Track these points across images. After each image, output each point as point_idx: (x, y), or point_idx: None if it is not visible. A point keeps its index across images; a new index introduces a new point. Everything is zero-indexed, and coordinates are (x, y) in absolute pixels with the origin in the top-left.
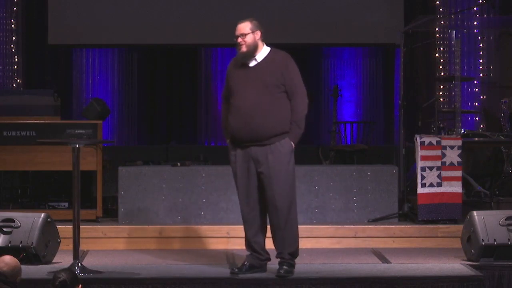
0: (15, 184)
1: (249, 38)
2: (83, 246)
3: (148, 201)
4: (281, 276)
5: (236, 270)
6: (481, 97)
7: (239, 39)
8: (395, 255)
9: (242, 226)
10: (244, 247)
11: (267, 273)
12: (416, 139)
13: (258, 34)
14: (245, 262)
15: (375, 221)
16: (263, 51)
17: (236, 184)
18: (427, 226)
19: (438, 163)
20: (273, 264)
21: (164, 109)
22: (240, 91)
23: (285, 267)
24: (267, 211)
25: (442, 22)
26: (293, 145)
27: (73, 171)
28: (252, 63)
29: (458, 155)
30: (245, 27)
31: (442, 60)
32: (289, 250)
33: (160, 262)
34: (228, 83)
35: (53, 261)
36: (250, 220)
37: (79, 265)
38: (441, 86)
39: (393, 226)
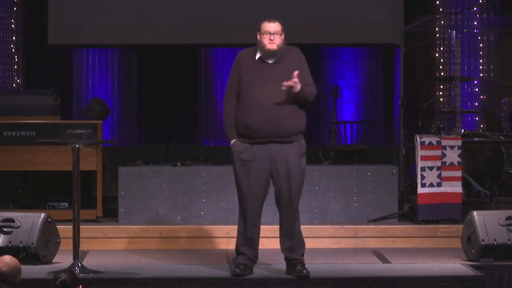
0: (15, 184)
1: (280, 38)
2: (83, 246)
3: (148, 201)
4: (304, 277)
5: (237, 271)
6: (481, 97)
7: (272, 37)
8: (395, 255)
9: None
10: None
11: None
12: (416, 139)
13: (283, 36)
14: (240, 263)
15: (375, 221)
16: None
17: (248, 181)
18: (427, 226)
19: (438, 163)
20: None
21: (164, 109)
22: (261, 86)
23: (305, 267)
24: (280, 211)
25: (442, 22)
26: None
27: (73, 171)
28: (271, 60)
29: (458, 155)
30: (278, 26)
31: (442, 60)
32: (302, 250)
33: (160, 262)
34: (240, 77)
35: (53, 261)
36: (256, 218)
37: (79, 265)
38: (441, 86)
39: (393, 226)
